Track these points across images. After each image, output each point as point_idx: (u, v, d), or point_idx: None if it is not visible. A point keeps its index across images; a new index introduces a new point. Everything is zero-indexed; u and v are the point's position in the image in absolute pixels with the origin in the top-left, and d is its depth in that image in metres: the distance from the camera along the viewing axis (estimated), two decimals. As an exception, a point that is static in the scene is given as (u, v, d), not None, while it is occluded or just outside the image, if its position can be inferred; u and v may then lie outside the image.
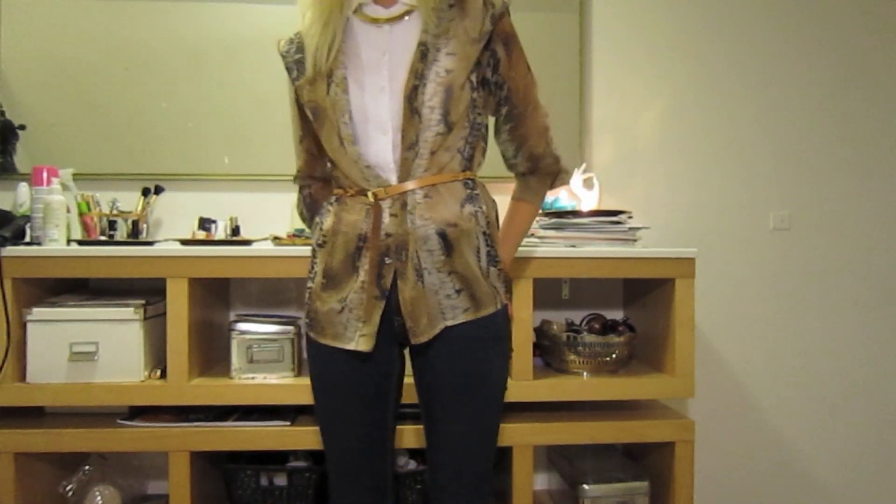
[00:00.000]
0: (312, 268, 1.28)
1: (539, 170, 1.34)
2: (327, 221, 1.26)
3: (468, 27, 1.21)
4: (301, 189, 1.45)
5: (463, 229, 1.21)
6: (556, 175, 1.36)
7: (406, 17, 1.22)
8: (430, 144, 1.19)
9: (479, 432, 1.26)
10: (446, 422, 1.25)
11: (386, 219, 1.20)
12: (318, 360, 1.27)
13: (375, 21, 1.22)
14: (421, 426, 1.31)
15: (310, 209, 1.44)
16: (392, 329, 1.23)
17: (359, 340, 1.20)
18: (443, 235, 1.20)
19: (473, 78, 1.23)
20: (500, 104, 1.29)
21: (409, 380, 1.32)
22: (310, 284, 1.28)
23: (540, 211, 1.44)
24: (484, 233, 1.25)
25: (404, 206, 1.19)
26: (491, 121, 1.32)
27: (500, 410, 1.28)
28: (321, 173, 1.41)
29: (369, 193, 1.20)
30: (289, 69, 1.30)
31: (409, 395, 1.34)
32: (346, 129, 1.20)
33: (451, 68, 1.18)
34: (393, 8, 1.22)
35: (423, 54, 1.18)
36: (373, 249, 1.19)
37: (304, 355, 2.03)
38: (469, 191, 1.24)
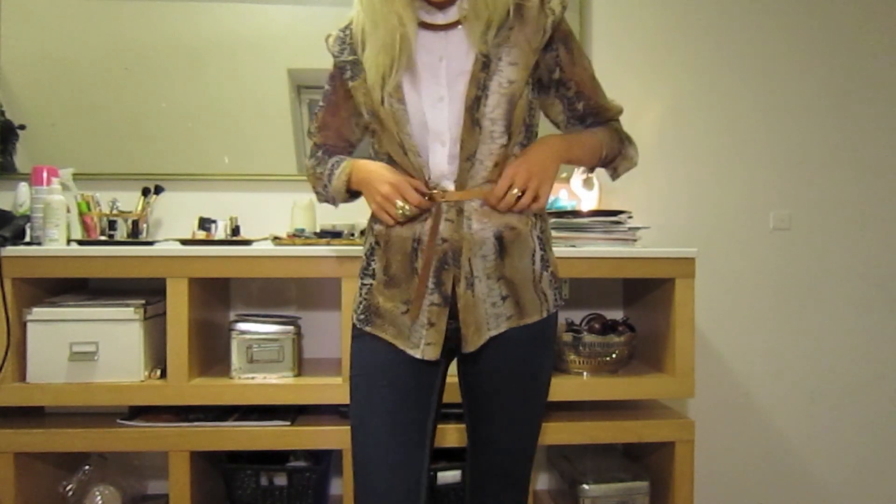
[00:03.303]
0: (369, 265, 1.25)
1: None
2: (381, 223, 1.23)
3: (529, 36, 1.17)
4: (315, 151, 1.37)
5: (520, 232, 1.20)
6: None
7: (463, 24, 1.17)
8: (494, 157, 1.17)
9: (522, 432, 1.25)
10: (490, 422, 1.24)
11: (441, 223, 1.17)
12: (368, 353, 1.23)
13: (432, 26, 1.18)
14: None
15: (328, 153, 1.35)
16: (446, 333, 1.20)
17: (425, 349, 1.18)
18: (499, 238, 1.18)
19: (531, 80, 1.21)
20: (572, 101, 1.27)
21: (450, 379, 1.30)
22: (368, 281, 1.25)
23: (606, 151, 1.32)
24: (539, 237, 1.23)
25: (461, 212, 1.17)
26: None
27: (543, 411, 1.27)
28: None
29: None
30: (341, 69, 1.26)
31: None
32: (410, 141, 1.17)
33: (514, 79, 1.15)
34: (450, 12, 1.17)
35: (485, 64, 1.14)
36: (428, 254, 1.17)
37: (305, 355, 2.04)
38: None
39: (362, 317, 1.24)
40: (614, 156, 1.31)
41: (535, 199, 1.18)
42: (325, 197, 1.34)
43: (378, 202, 1.21)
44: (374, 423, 1.20)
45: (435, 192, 1.18)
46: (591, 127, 1.30)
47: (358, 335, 1.25)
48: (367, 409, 1.21)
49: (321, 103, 1.34)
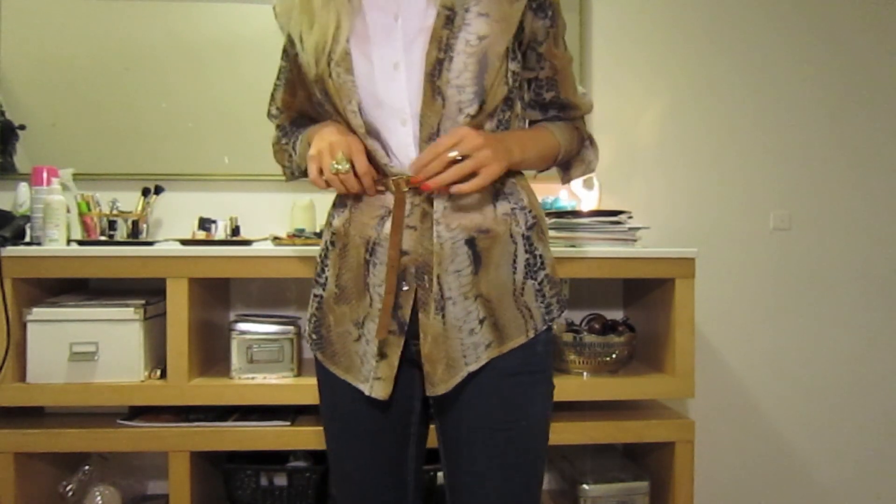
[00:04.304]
0: (323, 271, 1.06)
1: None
2: (340, 217, 1.05)
3: None
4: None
5: (497, 235, 0.99)
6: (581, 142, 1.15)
7: None
8: None
9: (512, 490, 1.01)
10: (471, 476, 1.01)
11: (402, 232, 0.97)
12: (327, 388, 1.07)
13: None
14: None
15: (295, 124, 1.17)
16: (409, 357, 1.01)
17: (374, 384, 0.99)
18: (472, 245, 0.98)
19: (514, 46, 1.00)
20: (541, 86, 1.08)
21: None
22: (319, 291, 1.06)
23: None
24: (524, 235, 1.02)
25: (426, 216, 0.97)
26: None
27: (541, 462, 1.05)
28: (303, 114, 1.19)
29: (388, 189, 0.99)
30: (291, 41, 1.08)
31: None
32: (355, 119, 0.97)
33: (485, 33, 0.94)
34: None
35: (449, 18, 0.94)
36: (391, 269, 0.96)
37: (305, 355, 2.03)
38: (499, 185, 1.01)
39: (314, 336, 1.07)
40: (570, 158, 1.15)
41: (475, 172, 0.92)
42: (292, 169, 1.15)
43: (311, 154, 0.98)
44: (346, 468, 1.08)
45: (392, 178, 0.98)
46: (552, 121, 1.13)
47: (315, 358, 1.09)
48: (337, 450, 1.08)
49: (278, 82, 1.15)
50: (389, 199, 0.99)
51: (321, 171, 0.98)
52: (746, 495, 2.31)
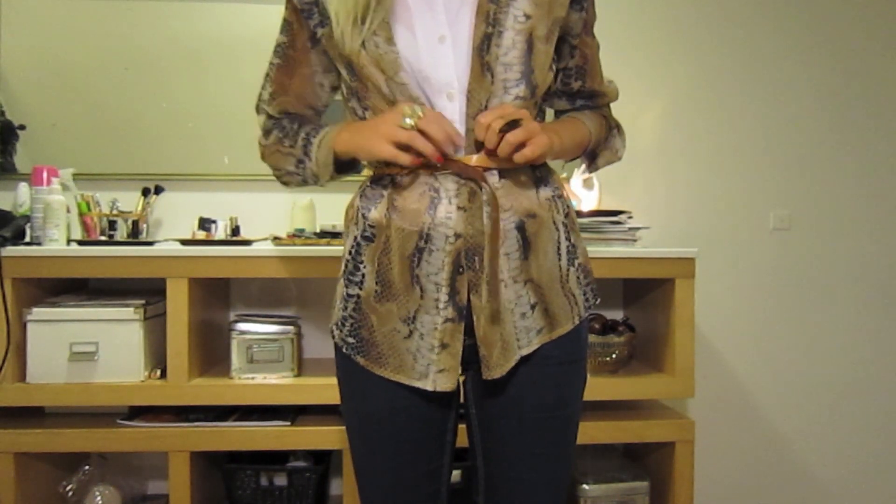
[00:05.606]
0: (357, 268, 0.99)
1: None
2: (378, 208, 0.98)
3: None
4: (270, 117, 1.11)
5: (542, 220, 0.99)
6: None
7: None
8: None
9: (553, 475, 1.01)
10: (514, 465, 1.01)
11: (452, 213, 0.93)
12: (364, 392, 1.01)
13: None
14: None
15: (294, 121, 1.09)
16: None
17: (437, 378, 0.95)
18: (521, 229, 0.97)
19: (554, 35, 0.99)
20: (569, 75, 1.08)
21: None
22: (355, 291, 0.99)
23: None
24: (564, 223, 1.03)
25: (473, 196, 0.93)
26: None
27: (574, 446, 1.06)
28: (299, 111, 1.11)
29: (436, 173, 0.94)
30: (304, 12, 1.00)
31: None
32: (408, 91, 0.93)
33: (530, 13, 0.94)
34: None
35: None
36: (450, 254, 0.94)
37: (305, 355, 2.04)
38: (539, 172, 1.01)
39: (352, 340, 1.00)
40: (597, 146, 1.15)
41: (524, 143, 0.91)
42: (303, 176, 1.06)
43: (376, 148, 0.93)
44: (378, 481, 1.03)
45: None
46: (581, 110, 1.14)
47: (345, 364, 1.03)
48: (369, 464, 1.04)
49: (274, 61, 1.06)
50: (435, 181, 0.95)
51: (395, 144, 0.91)
52: (746, 495, 2.31)
